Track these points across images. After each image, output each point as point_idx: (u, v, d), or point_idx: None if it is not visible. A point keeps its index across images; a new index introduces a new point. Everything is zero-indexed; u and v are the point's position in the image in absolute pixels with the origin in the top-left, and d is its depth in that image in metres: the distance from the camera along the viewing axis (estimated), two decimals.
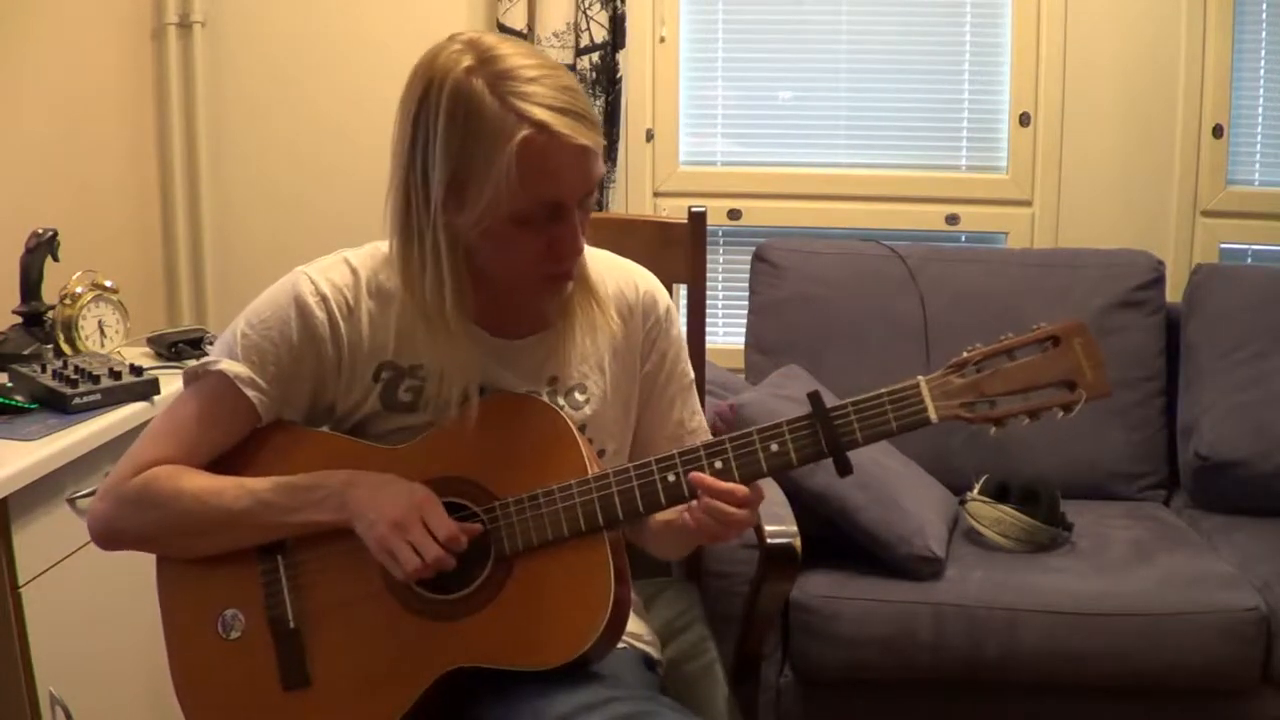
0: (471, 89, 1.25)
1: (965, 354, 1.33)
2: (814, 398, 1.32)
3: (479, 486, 1.36)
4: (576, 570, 1.32)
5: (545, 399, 1.44)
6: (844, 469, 1.32)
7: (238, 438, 1.41)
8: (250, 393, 1.38)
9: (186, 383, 1.44)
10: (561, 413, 1.39)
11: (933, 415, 1.31)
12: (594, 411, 1.48)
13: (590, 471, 1.34)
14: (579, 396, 1.47)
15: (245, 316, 1.42)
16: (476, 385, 1.39)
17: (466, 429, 1.38)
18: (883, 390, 1.32)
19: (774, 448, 1.31)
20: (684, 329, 1.98)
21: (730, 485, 1.31)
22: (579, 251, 1.36)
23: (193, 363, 1.43)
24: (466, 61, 1.26)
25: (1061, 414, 1.31)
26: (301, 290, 1.40)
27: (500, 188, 1.26)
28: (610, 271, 1.51)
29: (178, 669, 1.41)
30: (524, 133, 1.24)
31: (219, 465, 1.41)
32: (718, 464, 1.32)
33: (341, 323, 1.40)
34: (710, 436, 1.57)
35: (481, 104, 1.25)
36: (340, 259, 1.44)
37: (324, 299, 1.40)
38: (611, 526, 1.33)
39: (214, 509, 1.36)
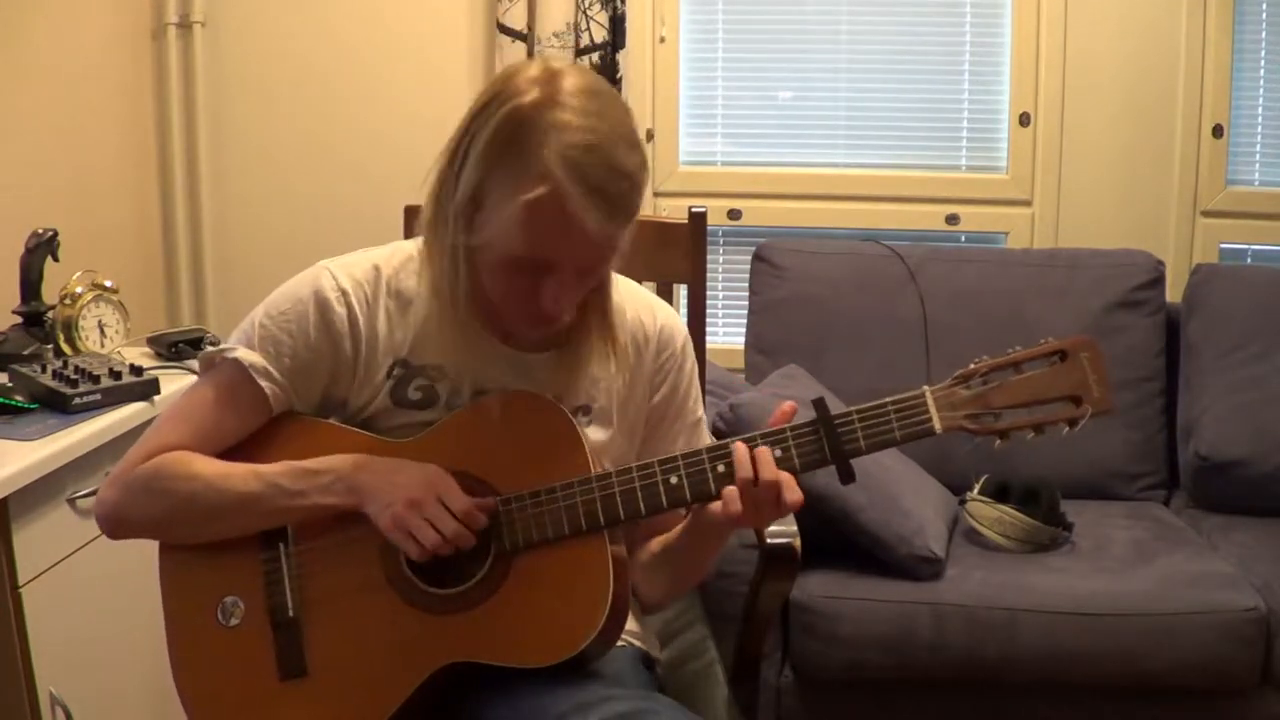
0: (524, 121, 1.23)
1: (972, 365, 1.33)
2: (819, 404, 1.32)
3: (483, 483, 1.36)
4: (575, 569, 1.32)
5: None
6: (846, 477, 1.31)
7: (250, 427, 1.41)
8: (264, 383, 1.38)
9: (202, 369, 1.44)
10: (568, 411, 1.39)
11: (937, 426, 1.30)
12: (598, 435, 1.46)
13: (594, 471, 1.34)
14: (583, 418, 1.46)
15: (265, 306, 1.41)
16: (466, 382, 1.40)
17: (473, 425, 1.38)
18: (888, 399, 1.32)
19: (777, 453, 1.31)
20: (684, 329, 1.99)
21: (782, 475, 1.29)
22: (556, 315, 1.32)
23: (210, 350, 1.43)
24: (534, 94, 1.24)
25: (1066, 429, 1.31)
26: (322, 285, 1.40)
27: (503, 225, 1.25)
28: (630, 299, 1.50)
29: (176, 655, 1.40)
30: (540, 191, 1.22)
31: (228, 454, 1.41)
32: (720, 468, 1.32)
33: (361, 319, 1.40)
34: None
35: (525, 139, 1.23)
36: (365, 255, 1.44)
37: (344, 294, 1.40)
38: (612, 526, 1.33)
39: (223, 493, 1.36)
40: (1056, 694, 2.23)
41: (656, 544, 1.48)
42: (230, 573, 1.39)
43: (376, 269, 1.42)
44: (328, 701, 1.35)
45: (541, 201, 1.22)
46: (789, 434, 1.32)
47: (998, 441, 1.32)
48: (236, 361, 1.39)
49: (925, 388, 1.32)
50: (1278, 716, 2.21)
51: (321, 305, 1.39)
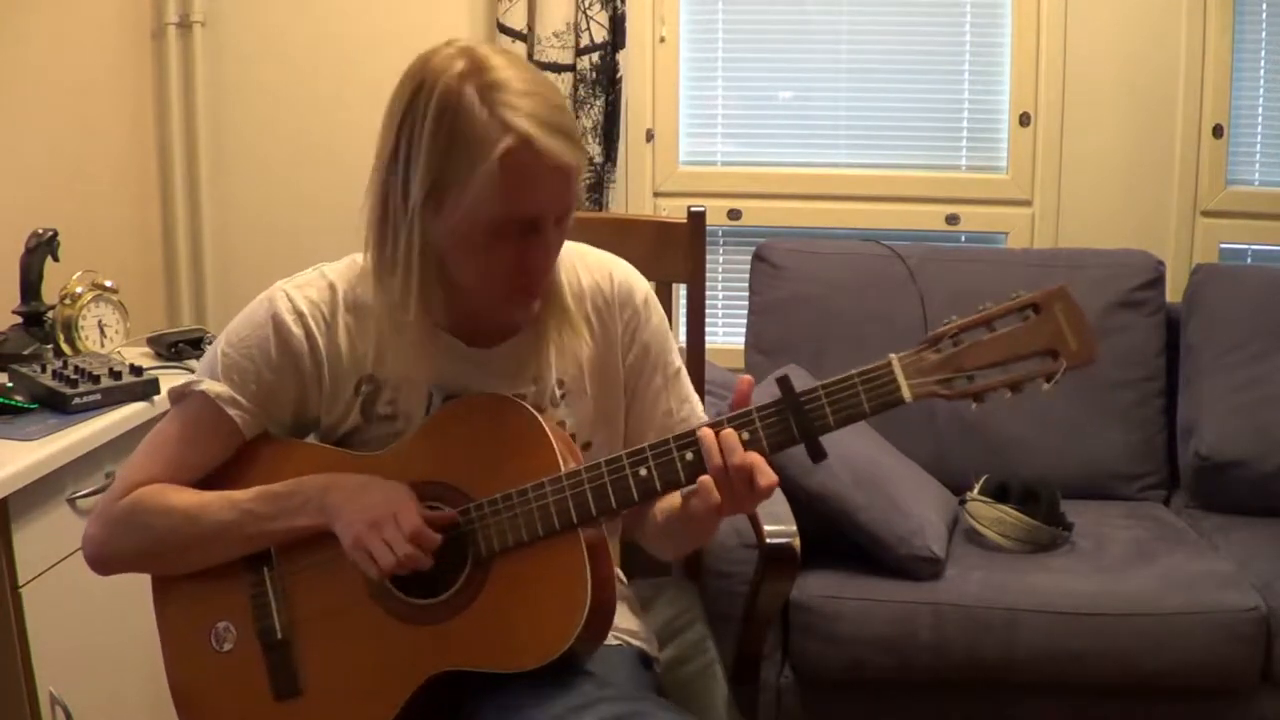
0: (461, 95, 1.24)
1: (942, 327, 1.27)
2: (784, 383, 1.27)
3: (455, 489, 1.36)
4: (553, 570, 1.31)
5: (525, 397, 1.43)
6: (816, 455, 1.27)
7: (224, 455, 1.42)
8: (232, 411, 1.40)
9: (172, 402, 1.45)
10: (533, 410, 1.38)
11: (906, 394, 1.26)
12: (576, 406, 1.47)
13: (563, 469, 1.33)
14: (558, 392, 1.46)
15: (225, 335, 1.43)
16: (434, 391, 1.41)
17: (442, 432, 1.39)
18: (853, 371, 1.27)
19: (745, 436, 1.27)
20: (683, 329, 1.99)
21: (753, 458, 1.26)
22: (548, 270, 1.35)
23: (179, 383, 1.45)
24: (459, 66, 1.26)
25: (1045, 384, 1.25)
26: (279, 309, 1.41)
27: (480, 196, 1.25)
28: (585, 265, 1.50)
29: (174, 682, 1.42)
30: (508, 143, 1.23)
31: (206, 480, 1.42)
32: (689, 455, 1.30)
33: (320, 339, 1.41)
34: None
35: (471, 111, 1.24)
36: (318, 274, 1.45)
37: (301, 316, 1.41)
38: (586, 523, 1.32)
39: (200, 523, 1.37)
40: (1056, 694, 2.23)
41: (660, 513, 1.46)
42: (220, 598, 1.40)
43: (332, 286, 1.43)
44: (324, 718, 1.36)
45: (513, 153, 1.23)
46: (755, 415, 1.28)
47: (973, 404, 1.27)
48: (203, 394, 1.40)
49: (892, 355, 1.27)
50: (1278, 716, 2.21)
51: (279, 329, 1.40)
